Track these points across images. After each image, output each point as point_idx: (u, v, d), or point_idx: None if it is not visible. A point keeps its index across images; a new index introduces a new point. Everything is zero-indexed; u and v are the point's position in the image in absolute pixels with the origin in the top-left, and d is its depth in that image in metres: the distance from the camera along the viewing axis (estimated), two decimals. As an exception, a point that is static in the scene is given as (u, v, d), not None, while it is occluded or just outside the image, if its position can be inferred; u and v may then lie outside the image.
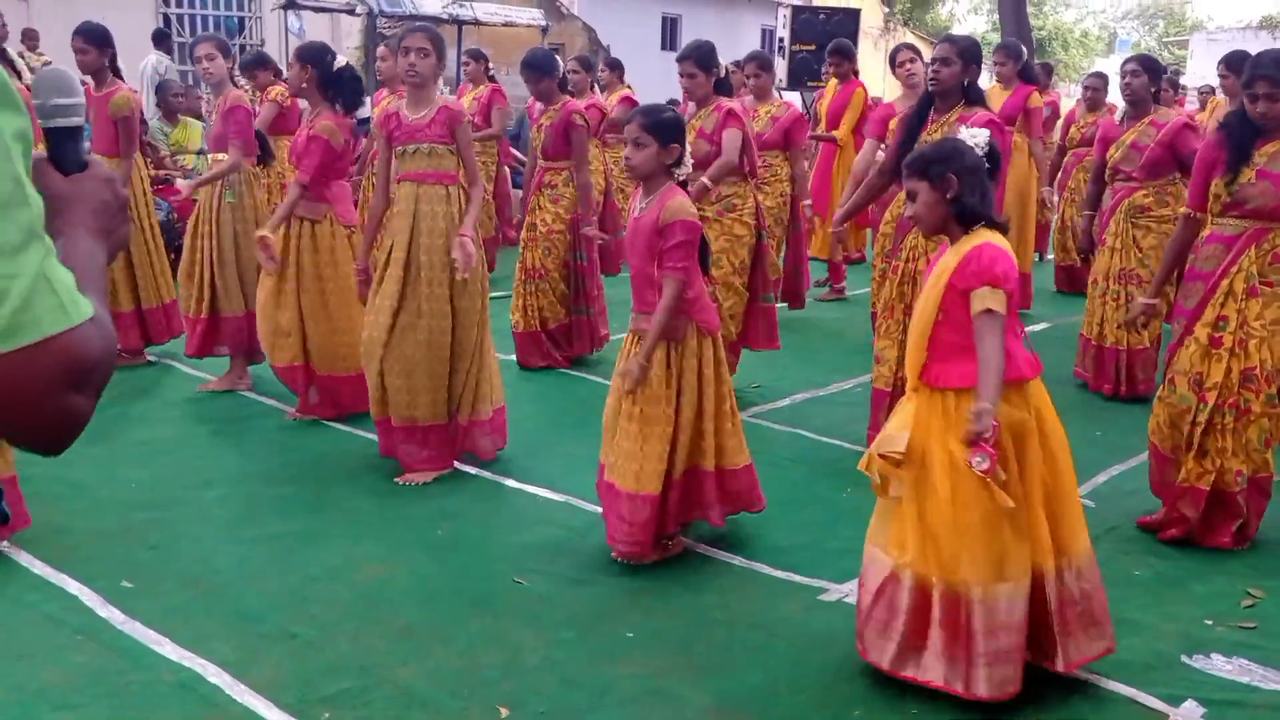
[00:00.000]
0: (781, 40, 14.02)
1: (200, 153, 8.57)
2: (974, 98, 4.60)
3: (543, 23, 14.40)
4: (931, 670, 2.91)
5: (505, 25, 14.95)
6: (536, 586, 3.60)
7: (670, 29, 23.80)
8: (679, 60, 5.35)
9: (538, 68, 6.16)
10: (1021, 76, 7.71)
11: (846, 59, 8.09)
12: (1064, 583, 2.94)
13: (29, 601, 3.42)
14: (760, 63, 6.77)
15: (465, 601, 3.49)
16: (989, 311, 2.84)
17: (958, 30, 39.75)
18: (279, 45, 13.97)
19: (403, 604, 3.47)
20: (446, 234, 4.41)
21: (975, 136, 3.03)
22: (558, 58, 6.53)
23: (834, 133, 8.13)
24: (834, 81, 8.37)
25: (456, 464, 4.65)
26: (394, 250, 4.44)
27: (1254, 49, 4.73)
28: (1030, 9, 26.78)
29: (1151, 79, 5.63)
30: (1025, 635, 2.88)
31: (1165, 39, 40.51)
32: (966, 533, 2.83)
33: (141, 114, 6.51)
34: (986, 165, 3.01)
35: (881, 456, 2.96)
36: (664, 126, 3.58)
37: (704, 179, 5.20)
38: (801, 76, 14.30)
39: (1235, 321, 3.88)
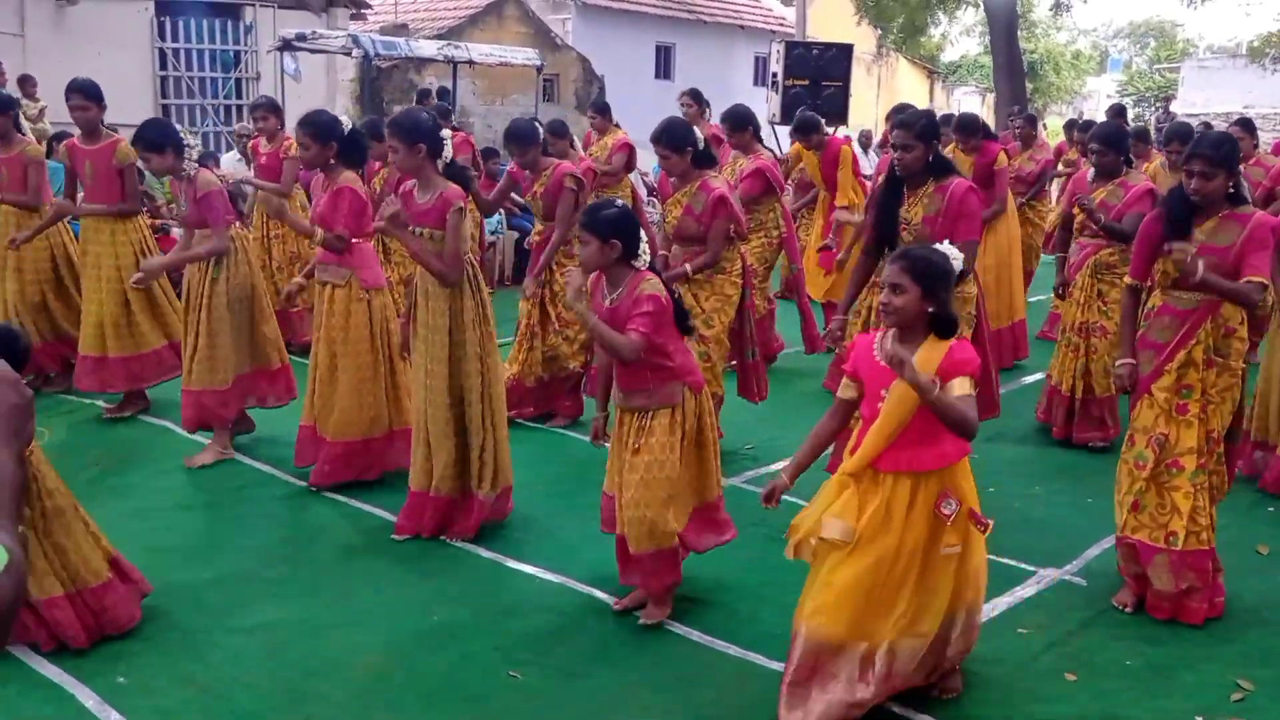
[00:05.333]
0: (775, 75, 14.11)
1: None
2: (940, 169, 4.70)
3: (538, 62, 14.43)
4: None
5: (501, 65, 15.00)
6: (531, 681, 3.62)
7: (664, 58, 23.92)
8: (652, 141, 5.36)
9: (521, 139, 6.17)
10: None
11: (814, 130, 8.04)
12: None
13: (28, 703, 3.42)
14: (733, 123, 7.13)
15: (460, 698, 3.50)
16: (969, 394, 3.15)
17: (950, 54, 39.96)
18: (273, 82, 14.02)
19: (399, 703, 3.47)
20: (446, 314, 4.56)
21: (952, 256, 3.21)
22: (538, 124, 6.52)
23: (840, 206, 7.96)
24: (810, 154, 8.19)
25: (454, 541, 4.68)
26: (420, 326, 4.65)
27: (1244, 80, 4.80)
28: (1021, 32, 26.93)
29: (1118, 152, 5.84)
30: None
31: (1156, 64, 40.66)
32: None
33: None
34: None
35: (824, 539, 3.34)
36: (600, 224, 3.72)
37: (686, 267, 5.37)
38: (795, 111, 14.35)
39: (1199, 390, 4.03)
